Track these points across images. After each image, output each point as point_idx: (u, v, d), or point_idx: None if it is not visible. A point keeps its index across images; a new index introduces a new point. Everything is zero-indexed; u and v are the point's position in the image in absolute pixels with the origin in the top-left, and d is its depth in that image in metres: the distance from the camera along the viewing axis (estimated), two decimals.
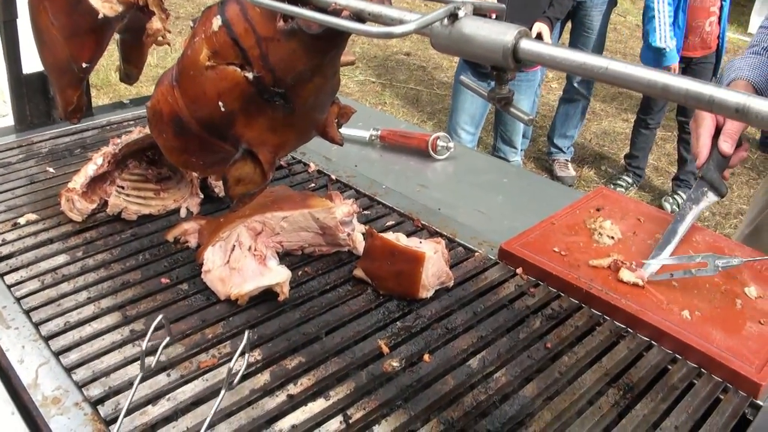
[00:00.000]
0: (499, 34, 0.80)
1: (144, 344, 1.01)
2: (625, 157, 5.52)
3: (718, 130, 1.59)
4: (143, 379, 1.10)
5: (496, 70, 0.86)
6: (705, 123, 1.59)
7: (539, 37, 4.35)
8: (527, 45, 0.79)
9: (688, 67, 4.84)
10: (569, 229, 1.62)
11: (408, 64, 7.66)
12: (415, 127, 2.32)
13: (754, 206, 2.19)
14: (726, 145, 1.56)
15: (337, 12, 0.96)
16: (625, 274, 1.45)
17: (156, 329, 1.01)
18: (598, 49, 5.16)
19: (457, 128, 4.67)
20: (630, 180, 5.39)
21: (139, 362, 1.12)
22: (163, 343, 1.09)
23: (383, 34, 0.83)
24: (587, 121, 6.16)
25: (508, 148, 4.88)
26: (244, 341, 1.00)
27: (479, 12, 0.87)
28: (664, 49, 4.61)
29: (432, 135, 2.07)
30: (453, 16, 0.83)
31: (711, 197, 1.57)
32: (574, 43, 5.15)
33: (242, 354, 1.00)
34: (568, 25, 5.25)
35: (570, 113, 5.45)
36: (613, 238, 1.59)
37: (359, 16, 0.94)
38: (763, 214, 2.09)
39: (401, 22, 0.86)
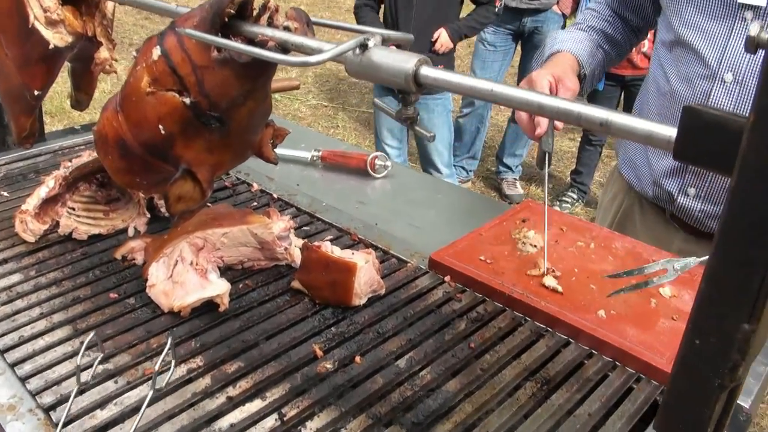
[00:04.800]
0: (402, 62, 0.90)
1: (78, 360, 1.10)
2: (571, 173, 5.66)
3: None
4: (81, 392, 1.19)
5: (402, 93, 0.96)
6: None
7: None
8: (426, 71, 0.90)
9: (624, 86, 5.01)
10: (495, 239, 1.71)
11: (360, 88, 7.76)
12: (360, 148, 2.40)
13: (605, 215, 2.18)
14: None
15: (263, 42, 1.06)
16: (548, 280, 1.54)
17: (89, 347, 1.13)
18: None
19: (383, 145, 4.76)
20: (575, 196, 5.54)
21: (88, 371, 1.20)
22: (97, 360, 1.19)
23: (300, 63, 0.93)
24: None
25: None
26: (168, 346, 1.10)
27: (389, 42, 0.98)
28: None
29: (370, 154, 2.16)
30: (363, 46, 0.93)
31: None
32: (529, 66, 5.27)
33: (167, 357, 1.11)
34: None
35: (519, 133, 5.56)
36: (535, 246, 1.68)
37: (284, 47, 1.04)
38: (617, 218, 2.10)
39: (320, 51, 0.96)
